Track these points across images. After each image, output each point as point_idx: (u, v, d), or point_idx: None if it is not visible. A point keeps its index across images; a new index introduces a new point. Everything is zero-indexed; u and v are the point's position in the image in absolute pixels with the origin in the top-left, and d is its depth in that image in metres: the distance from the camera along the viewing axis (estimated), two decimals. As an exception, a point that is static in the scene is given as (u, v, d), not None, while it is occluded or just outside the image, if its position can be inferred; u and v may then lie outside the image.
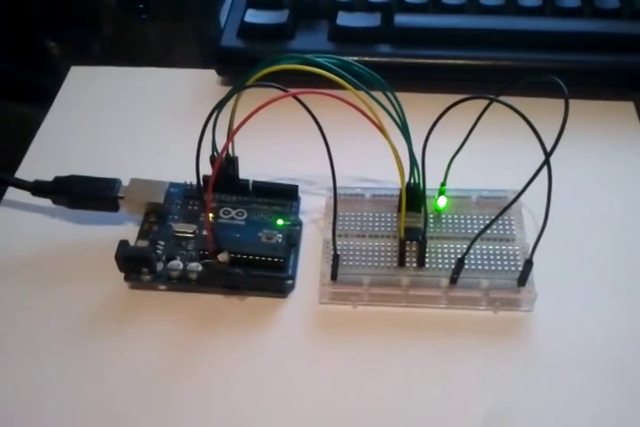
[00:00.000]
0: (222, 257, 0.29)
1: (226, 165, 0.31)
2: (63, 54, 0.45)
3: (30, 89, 0.42)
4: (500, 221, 0.31)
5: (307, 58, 0.27)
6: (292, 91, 0.26)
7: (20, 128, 0.39)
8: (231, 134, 0.27)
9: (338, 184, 0.27)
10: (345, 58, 0.28)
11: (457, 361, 0.28)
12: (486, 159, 0.35)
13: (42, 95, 0.41)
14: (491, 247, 0.30)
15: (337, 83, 0.26)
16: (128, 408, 0.27)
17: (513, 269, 0.30)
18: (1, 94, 0.42)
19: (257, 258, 0.30)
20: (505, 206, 0.27)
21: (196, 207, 0.32)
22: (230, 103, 0.28)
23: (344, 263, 0.30)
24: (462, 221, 0.31)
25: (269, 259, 0.30)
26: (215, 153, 0.31)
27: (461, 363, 0.28)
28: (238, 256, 0.30)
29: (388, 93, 0.28)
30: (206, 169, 0.30)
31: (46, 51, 0.45)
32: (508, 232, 0.31)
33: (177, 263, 0.30)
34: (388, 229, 0.31)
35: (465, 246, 0.29)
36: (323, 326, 0.29)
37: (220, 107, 0.28)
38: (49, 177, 0.32)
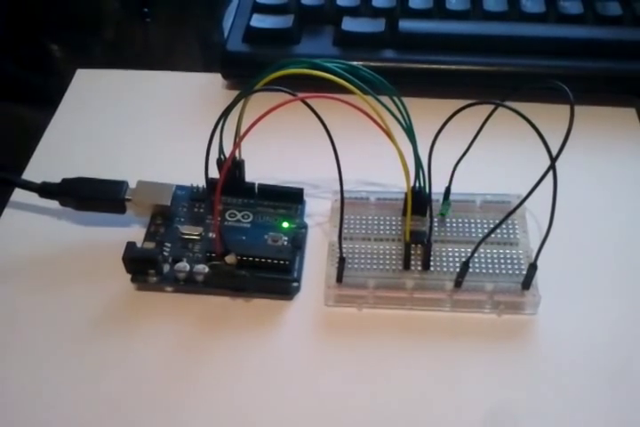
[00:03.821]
0: (230, 259, 0.29)
1: (232, 168, 0.32)
2: (67, 57, 0.45)
3: (35, 91, 0.43)
4: (504, 226, 0.31)
5: (315, 62, 0.27)
6: (301, 95, 0.26)
7: (26, 130, 0.39)
8: (239, 139, 0.28)
9: (343, 188, 0.27)
10: (351, 62, 0.28)
11: (461, 364, 0.28)
12: (491, 164, 0.35)
13: (46, 98, 0.41)
14: (495, 251, 0.30)
15: (345, 87, 0.26)
16: (134, 409, 0.27)
17: (517, 272, 0.30)
18: (6, 97, 0.42)
19: (263, 260, 0.30)
20: (510, 211, 0.27)
21: (202, 210, 0.32)
22: (238, 106, 0.29)
23: (349, 266, 0.30)
24: (467, 224, 0.32)
25: (275, 261, 0.30)
26: (222, 156, 0.31)
27: (465, 366, 0.28)
28: (244, 258, 0.30)
29: (395, 98, 0.28)
30: (213, 172, 0.30)
31: (51, 54, 0.46)
32: (512, 236, 0.31)
33: (184, 265, 0.30)
34: (393, 232, 0.31)
35: (469, 250, 0.29)
36: (328, 329, 0.30)
37: (228, 111, 0.28)
38: (56, 179, 0.33)
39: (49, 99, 0.40)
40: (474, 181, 0.32)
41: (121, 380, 0.28)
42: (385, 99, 0.28)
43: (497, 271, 0.30)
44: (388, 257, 0.31)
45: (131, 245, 0.30)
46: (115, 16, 0.49)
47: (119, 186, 0.32)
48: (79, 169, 0.33)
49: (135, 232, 0.32)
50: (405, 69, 0.39)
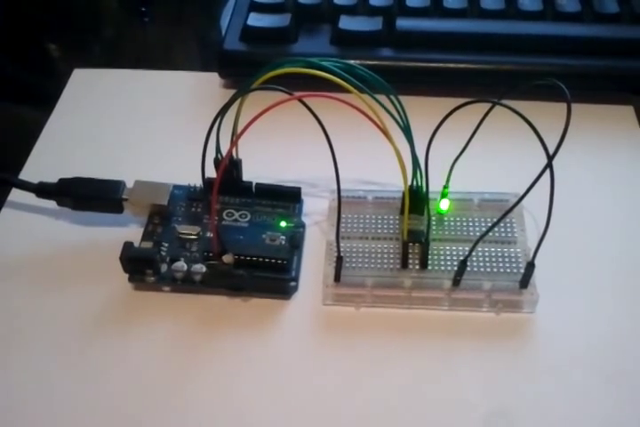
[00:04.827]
0: (227, 258, 0.29)
1: (229, 168, 0.32)
2: (65, 57, 0.45)
3: (32, 91, 0.43)
4: (501, 224, 0.31)
5: (311, 61, 0.27)
6: (298, 94, 0.26)
7: (24, 130, 0.39)
8: (236, 138, 0.28)
9: (340, 187, 0.27)
10: (348, 61, 0.28)
11: (459, 363, 0.28)
12: (488, 162, 0.35)
13: (44, 97, 0.41)
14: (493, 250, 0.30)
15: (341, 86, 0.26)
16: (132, 409, 0.27)
17: (515, 271, 0.30)
18: (4, 96, 0.42)
19: (260, 260, 0.30)
20: (507, 209, 0.27)
21: (199, 209, 0.32)
22: (234, 106, 0.28)
23: (347, 265, 0.30)
24: (464, 223, 0.32)
25: (273, 260, 0.30)
26: (219, 155, 0.31)
27: (463, 364, 0.28)
28: (242, 258, 0.30)
29: (392, 97, 0.28)
30: (210, 171, 0.30)
31: (48, 53, 0.46)
32: (509, 235, 0.31)
33: (181, 265, 0.30)
34: (391, 231, 0.31)
35: (467, 249, 0.29)
36: (326, 328, 0.30)
37: (224, 110, 0.28)
38: (53, 179, 0.33)
39: (47, 98, 0.40)
40: (471, 180, 0.33)
41: (118, 379, 0.28)
42: (382, 97, 0.28)
43: (495, 270, 0.30)
44: (385, 256, 0.30)
45: (128, 245, 0.30)
46: (113, 15, 0.49)
47: (116, 186, 0.32)
48: (76, 169, 0.33)
49: (132, 232, 0.32)
50: (402, 68, 0.38)
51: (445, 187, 0.31)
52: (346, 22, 0.39)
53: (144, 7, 0.47)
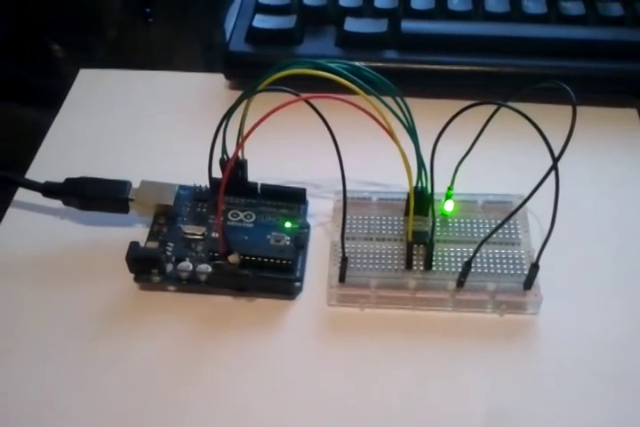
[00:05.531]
0: (233, 258, 0.29)
1: (235, 168, 0.32)
2: (69, 58, 0.45)
3: (37, 92, 0.43)
4: (505, 226, 0.31)
5: (318, 63, 0.27)
6: (304, 95, 0.26)
7: (29, 130, 0.39)
8: (242, 139, 0.28)
9: (346, 188, 0.27)
10: (354, 63, 0.28)
11: (463, 363, 0.28)
12: (493, 164, 0.36)
13: (48, 98, 0.41)
14: (497, 251, 0.31)
15: (348, 88, 0.26)
16: (135, 408, 0.27)
17: (519, 272, 0.30)
18: (9, 97, 0.42)
19: (265, 260, 0.30)
20: (512, 211, 0.27)
21: (204, 209, 0.33)
22: (241, 107, 0.29)
23: (352, 266, 0.30)
24: (469, 224, 0.32)
25: (278, 261, 0.30)
26: (225, 156, 0.31)
27: (467, 365, 0.28)
28: (247, 258, 0.30)
29: (397, 98, 0.28)
30: (215, 172, 0.30)
31: (53, 54, 0.46)
32: (513, 236, 0.31)
33: (186, 265, 0.30)
34: (395, 232, 0.32)
35: (471, 250, 0.29)
36: (330, 328, 0.30)
37: (231, 111, 0.28)
38: (59, 179, 0.33)
39: (51, 99, 0.40)
40: (476, 182, 0.33)
41: (124, 379, 0.28)
42: (387, 99, 0.28)
43: (499, 271, 0.30)
44: (390, 257, 0.31)
45: (134, 245, 0.30)
46: (117, 16, 0.49)
47: (122, 186, 0.32)
48: (82, 169, 0.33)
49: (138, 232, 0.32)
50: (408, 70, 0.39)
51: (450, 188, 0.32)
52: (351, 24, 0.39)
53: (148, 8, 0.47)
